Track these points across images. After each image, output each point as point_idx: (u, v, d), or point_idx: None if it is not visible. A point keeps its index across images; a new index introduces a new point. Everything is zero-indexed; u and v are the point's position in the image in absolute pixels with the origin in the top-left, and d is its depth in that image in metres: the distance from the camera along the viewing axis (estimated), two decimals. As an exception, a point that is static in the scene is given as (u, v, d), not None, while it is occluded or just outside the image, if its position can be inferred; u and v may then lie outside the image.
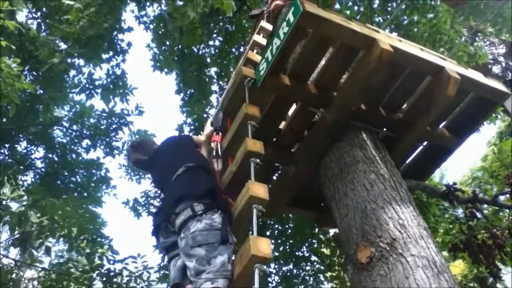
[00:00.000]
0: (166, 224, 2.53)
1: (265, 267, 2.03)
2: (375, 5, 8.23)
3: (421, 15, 7.53)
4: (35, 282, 8.41)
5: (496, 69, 16.42)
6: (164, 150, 3.13)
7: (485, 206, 5.32)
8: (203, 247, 2.25)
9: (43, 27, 8.32)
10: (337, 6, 7.89)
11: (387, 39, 3.01)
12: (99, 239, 7.80)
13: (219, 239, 2.28)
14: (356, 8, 8.37)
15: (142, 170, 3.41)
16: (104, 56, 8.25)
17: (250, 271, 2.05)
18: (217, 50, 9.49)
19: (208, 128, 3.33)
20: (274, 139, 3.69)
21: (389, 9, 8.01)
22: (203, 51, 9.50)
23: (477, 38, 14.60)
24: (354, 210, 2.97)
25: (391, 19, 6.82)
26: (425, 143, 3.83)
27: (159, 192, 3.12)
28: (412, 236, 2.68)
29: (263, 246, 2.06)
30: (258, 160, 2.60)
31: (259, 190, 2.34)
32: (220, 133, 3.08)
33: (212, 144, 3.05)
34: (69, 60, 7.89)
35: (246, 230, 2.62)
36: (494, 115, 7.45)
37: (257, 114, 2.92)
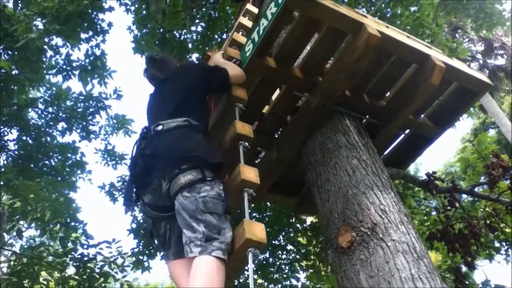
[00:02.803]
0: (160, 179, 2.28)
1: (258, 251, 1.98)
2: (359, -4, 8.25)
3: (404, 7, 7.57)
4: (4, 268, 8.23)
5: (473, 66, 16.78)
6: (176, 80, 2.81)
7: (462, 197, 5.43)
8: (214, 216, 2.10)
9: (20, 5, 8.06)
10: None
11: (375, 25, 2.99)
12: (73, 223, 7.67)
13: (224, 211, 2.18)
14: (340, -2, 8.36)
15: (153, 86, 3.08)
16: (84, 36, 8.06)
17: (243, 254, 2.00)
18: (199, 36, 9.38)
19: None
20: (257, 123, 3.66)
21: (373, 0, 8.03)
22: (185, 36, 9.39)
23: (456, 35, 14.84)
24: (336, 195, 2.97)
25: (375, 9, 6.83)
26: (406, 131, 3.86)
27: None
28: (392, 221, 2.69)
29: (258, 230, 2.01)
30: (247, 144, 2.55)
31: (250, 173, 2.29)
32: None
33: None
34: (46, 40, 7.67)
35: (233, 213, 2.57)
36: (472, 109, 7.57)
37: (245, 97, 2.88)
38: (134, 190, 2.43)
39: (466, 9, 8.17)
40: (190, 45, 9.37)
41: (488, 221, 4.23)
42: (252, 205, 6.66)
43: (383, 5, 7.98)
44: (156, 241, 2.52)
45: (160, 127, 2.43)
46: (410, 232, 2.66)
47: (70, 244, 7.13)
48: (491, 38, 16.11)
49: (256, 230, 2.01)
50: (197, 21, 9.43)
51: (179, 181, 2.19)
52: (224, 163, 2.35)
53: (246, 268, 7.34)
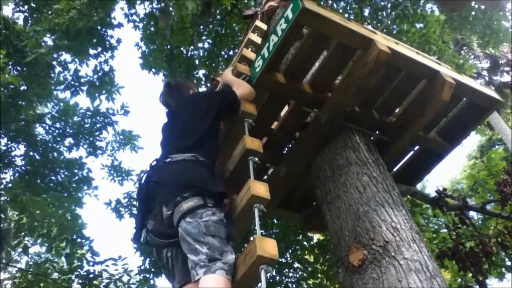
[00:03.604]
0: (163, 204, 2.35)
1: (271, 268, 1.95)
2: (366, 13, 8.29)
3: (411, 24, 7.59)
4: (8, 286, 8.18)
5: (479, 82, 16.73)
6: (184, 111, 2.88)
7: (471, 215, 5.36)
8: (216, 239, 2.15)
9: (30, 21, 8.15)
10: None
11: (384, 41, 2.99)
12: (79, 240, 7.64)
13: (227, 237, 2.22)
14: (346, 15, 8.41)
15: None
16: (92, 51, 8.13)
17: (255, 272, 1.97)
18: (206, 52, 9.45)
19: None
20: (266, 139, 3.64)
21: (380, 17, 8.06)
22: (192, 52, 9.46)
23: (462, 52, 14.86)
24: (347, 212, 2.93)
25: (383, 27, 6.85)
26: (416, 148, 3.82)
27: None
28: (404, 239, 2.65)
29: (270, 246, 1.98)
30: (256, 159, 2.53)
31: (260, 189, 2.26)
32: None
33: None
34: (55, 55, 7.73)
35: (244, 231, 2.53)
36: (482, 125, 7.54)
37: (254, 112, 2.86)
38: (141, 218, 2.50)
39: (472, 25, 8.19)
40: (197, 61, 9.44)
41: (499, 239, 4.16)
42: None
43: (389, 22, 8.02)
44: (163, 274, 2.56)
45: (168, 159, 2.54)
46: (422, 250, 2.61)
47: (76, 261, 7.08)
48: (496, 55, 16.11)
49: (268, 246, 1.98)
50: (204, 37, 9.51)
51: (181, 208, 2.25)
52: (226, 193, 2.40)
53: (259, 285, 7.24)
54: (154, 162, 2.62)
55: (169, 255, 2.39)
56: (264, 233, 7.36)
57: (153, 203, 2.39)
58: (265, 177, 3.92)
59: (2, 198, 7.16)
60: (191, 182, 2.34)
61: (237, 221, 2.38)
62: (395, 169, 3.91)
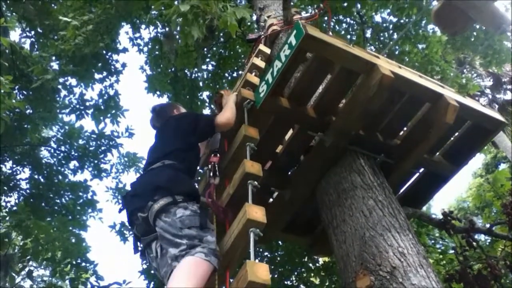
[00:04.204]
0: (138, 211, 2.51)
1: None
2: (368, 35, 8.36)
3: (413, 45, 7.64)
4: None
5: (482, 101, 16.73)
6: (167, 130, 3.08)
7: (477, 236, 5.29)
8: (192, 229, 2.31)
9: (36, 47, 8.26)
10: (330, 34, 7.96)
11: (387, 65, 3.01)
12: (83, 264, 7.60)
13: (201, 224, 2.36)
14: (348, 37, 8.49)
15: None
16: (98, 76, 8.20)
17: None
18: (210, 75, 9.51)
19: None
20: (270, 162, 3.64)
21: (382, 38, 8.12)
22: (196, 75, 9.52)
23: (464, 70, 14.92)
24: (353, 237, 2.92)
25: (387, 49, 6.90)
26: (421, 170, 3.81)
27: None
28: (412, 264, 2.63)
29: (261, 271, 1.96)
30: (256, 183, 2.54)
31: (257, 213, 2.26)
32: (218, 155, 3.03)
33: (209, 166, 2.98)
34: (61, 80, 7.81)
35: (243, 255, 2.52)
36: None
37: (256, 136, 2.89)
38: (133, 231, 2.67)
39: (474, 45, 8.23)
40: (201, 83, 9.50)
41: (507, 262, 4.11)
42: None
43: (390, 42, 8.08)
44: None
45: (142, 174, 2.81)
46: (430, 275, 2.59)
47: (80, 285, 7.03)
48: (499, 73, 16.15)
49: (259, 271, 1.97)
50: (208, 59, 9.59)
51: (153, 209, 2.43)
52: (194, 192, 2.58)
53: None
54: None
55: (157, 246, 2.48)
56: (268, 255, 7.29)
57: (132, 212, 2.58)
58: (270, 200, 3.91)
59: (7, 223, 7.15)
60: (158, 184, 2.51)
61: (233, 246, 2.38)
62: (400, 192, 3.89)
